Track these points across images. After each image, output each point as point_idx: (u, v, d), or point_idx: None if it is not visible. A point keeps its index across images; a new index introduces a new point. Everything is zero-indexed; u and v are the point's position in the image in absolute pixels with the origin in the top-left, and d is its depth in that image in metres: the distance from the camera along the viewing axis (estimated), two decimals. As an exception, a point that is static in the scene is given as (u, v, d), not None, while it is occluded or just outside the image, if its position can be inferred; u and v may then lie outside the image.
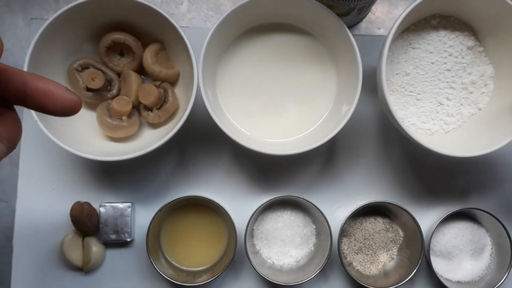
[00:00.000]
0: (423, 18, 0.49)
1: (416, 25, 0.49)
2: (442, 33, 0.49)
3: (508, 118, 0.47)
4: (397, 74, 0.50)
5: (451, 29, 0.49)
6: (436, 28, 0.49)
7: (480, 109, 0.50)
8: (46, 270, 0.53)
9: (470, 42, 0.49)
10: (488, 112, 0.50)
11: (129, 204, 0.52)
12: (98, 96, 0.50)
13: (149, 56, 0.49)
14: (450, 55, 0.49)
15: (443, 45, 0.49)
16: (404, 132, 0.45)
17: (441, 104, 0.49)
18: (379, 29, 0.57)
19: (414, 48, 0.49)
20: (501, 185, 0.56)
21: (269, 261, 0.53)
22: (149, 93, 0.48)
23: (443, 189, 0.56)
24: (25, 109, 0.54)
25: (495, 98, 0.50)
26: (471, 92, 0.49)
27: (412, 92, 0.49)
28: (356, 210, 0.51)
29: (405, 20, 0.45)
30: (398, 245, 0.54)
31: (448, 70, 0.49)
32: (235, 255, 0.50)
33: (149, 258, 0.49)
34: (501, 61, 0.49)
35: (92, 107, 0.51)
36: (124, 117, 0.49)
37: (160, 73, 0.49)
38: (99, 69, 0.50)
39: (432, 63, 0.49)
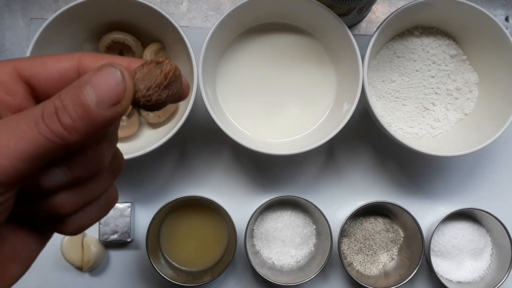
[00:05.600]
0: (406, 30, 0.51)
1: (400, 36, 0.52)
2: (425, 42, 0.51)
3: (493, 123, 0.48)
4: (383, 81, 0.52)
5: (433, 38, 0.51)
6: (419, 37, 0.51)
7: (466, 114, 0.52)
8: (46, 270, 0.53)
9: (453, 50, 0.51)
10: (474, 117, 0.51)
11: (129, 204, 0.52)
12: (98, 96, 0.50)
13: (148, 56, 0.49)
14: (434, 62, 0.51)
15: (426, 54, 0.51)
16: (391, 136, 0.47)
17: (426, 109, 0.51)
18: (379, 29, 0.57)
19: (398, 57, 0.51)
20: (501, 185, 0.56)
21: (269, 261, 0.53)
22: (149, 93, 0.48)
23: (443, 189, 0.56)
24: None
25: (480, 104, 0.51)
26: (456, 98, 0.51)
27: (398, 98, 0.51)
28: (356, 210, 0.51)
29: (385, 30, 0.47)
30: (398, 245, 0.54)
31: (432, 77, 0.51)
32: (235, 256, 0.50)
33: (149, 258, 0.49)
34: (484, 68, 0.51)
35: (92, 107, 0.51)
36: (124, 117, 0.49)
37: (160, 73, 0.49)
38: (99, 69, 0.49)
39: (417, 71, 0.51)
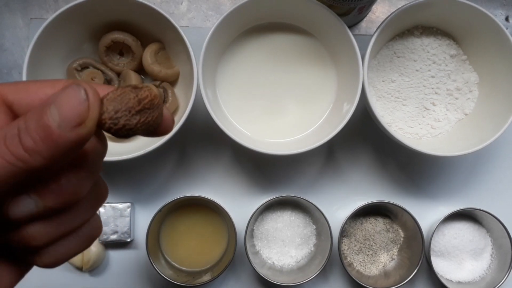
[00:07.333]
0: (406, 29, 0.51)
1: (400, 36, 0.52)
2: (425, 42, 0.51)
3: (493, 123, 0.48)
4: (383, 81, 0.52)
5: (433, 39, 0.51)
6: (419, 37, 0.51)
7: (466, 114, 0.52)
8: (46, 270, 0.53)
9: (453, 50, 0.51)
10: (474, 117, 0.51)
11: (128, 204, 0.52)
12: (98, 96, 0.50)
13: (148, 56, 0.49)
14: (434, 62, 0.51)
15: (426, 54, 0.51)
16: (391, 136, 0.47)
17: (427, 109, 0.51)
18: (379, 29, 0.57)
19: (398, 57, 0.51)
20: (501, 185, 0.56)
21: (269, 261, 0.53)
22: (149, 93, 0.48)
23: (443, 189, 0.56)
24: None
25: (480, 104, 0.51)
26: (456, 98, 0.51)
27: (398, 98, 0.51)
28: (356, 210, 0.51)
29: (385, 30, 0.47)
30: (398, 246, 0.54)
31: (432, 77, 0.51)
32: (235, 256, 0.50)
33: (149, 258, 0.48)
34: (484, 68, 0.51)
35: (91, 107, 0.51)
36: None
37: (160, 73, 0.49)
38: (98, 69, 0.49)
39: (417, 70, 0.51)
